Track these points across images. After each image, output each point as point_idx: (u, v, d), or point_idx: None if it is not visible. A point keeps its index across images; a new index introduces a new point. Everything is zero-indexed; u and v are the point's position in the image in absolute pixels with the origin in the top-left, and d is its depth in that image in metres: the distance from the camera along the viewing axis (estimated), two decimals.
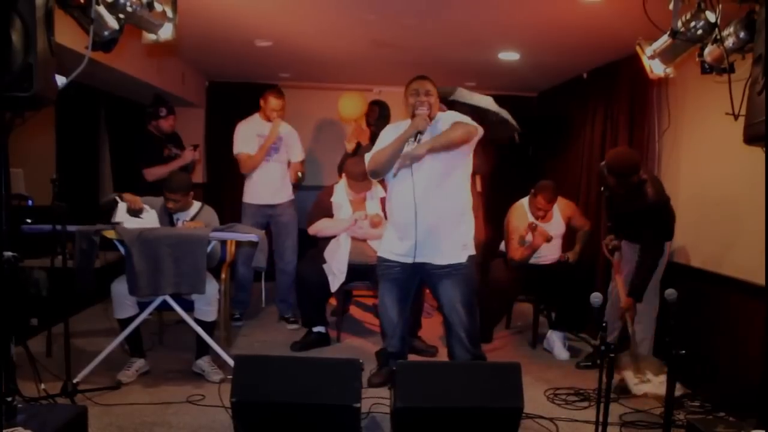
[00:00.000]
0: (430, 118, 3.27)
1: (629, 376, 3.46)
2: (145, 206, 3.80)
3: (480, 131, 3.27)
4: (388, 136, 3.39)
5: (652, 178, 3.80)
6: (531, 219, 4.53)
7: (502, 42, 4.63)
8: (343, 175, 4.53)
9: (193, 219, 4.00)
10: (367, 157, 3.44)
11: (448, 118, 3.35)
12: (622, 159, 3.72)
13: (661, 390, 3.22)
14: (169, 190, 3.91)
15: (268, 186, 5.03)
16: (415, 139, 3.18)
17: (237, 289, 5.08)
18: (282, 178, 5.08)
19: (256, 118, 5.03)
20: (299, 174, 5.12)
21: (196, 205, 4.09)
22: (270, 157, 4.98)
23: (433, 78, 3.41)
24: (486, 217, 4.97)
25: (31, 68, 1.97)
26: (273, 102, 4.94)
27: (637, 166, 3.67)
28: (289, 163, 5.11)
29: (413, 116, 3.25)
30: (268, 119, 4.95)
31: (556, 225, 4.59)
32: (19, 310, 3.62)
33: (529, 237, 4.37)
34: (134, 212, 3.74)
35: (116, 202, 3.71)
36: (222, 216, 4.24)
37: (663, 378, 3.32)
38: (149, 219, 3.79)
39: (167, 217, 3.99)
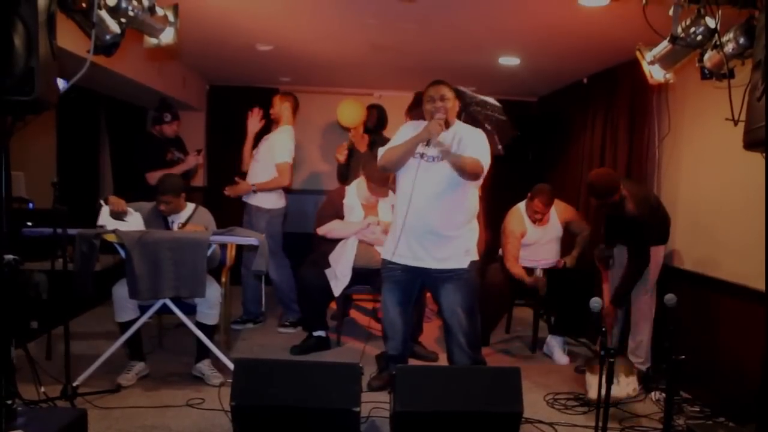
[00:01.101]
0: (448, 122, 3.27)
1: (591, 380, 3.39)
2: (129, 209, 3.76)
3: (483, 173, 3.30)
4: (406, 132, 3.39)
5: (633, 194, 3.86)
6: (528, 223, 4.55)
7: (503, 47, 4.64)
8: (362, 176, 4.52)
9: (187, 220, 4.00)
10: (381, 151, 3.44)
11: (470, 132, 3.37)
12: (599, 182, 3.85)
13: (624, 392, 3.33)
14: (160, 192, 3.92)
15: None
16: (426, 144, 3.20)
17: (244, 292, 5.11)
18: (255, 178, 4.94)
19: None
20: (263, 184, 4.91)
21: (190, 206, 4.09)
22: (256, 155, 5.00)
23: None
24: (486, 222, 4.97)
25: (33, 72, 1.97)
26: (274, 103, 5.02)
27: (613, 188, 3.78)
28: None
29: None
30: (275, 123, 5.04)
31: (553, 228, 4.60)
32: (19, 313, 3.62)
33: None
34: (117, 215, 3.70)
35: (101, 206, 3.70)
36: (223, 219, 4.24)
37: (631, 379, 3.36)
38: (133, 222, 3.74)
39: (161, 219, 3.99)
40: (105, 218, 3.67)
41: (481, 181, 3.40)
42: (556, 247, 4.66)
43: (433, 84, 3.34)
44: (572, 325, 4.60)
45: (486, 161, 3.27)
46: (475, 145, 3.29)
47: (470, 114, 4.51)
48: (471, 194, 3.38)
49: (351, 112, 5.68)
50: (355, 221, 4.43)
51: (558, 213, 4.61)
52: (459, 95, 4.04)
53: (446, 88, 3.31)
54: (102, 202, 3.71)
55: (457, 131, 3.34)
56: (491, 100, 4.69)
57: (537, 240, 4.59)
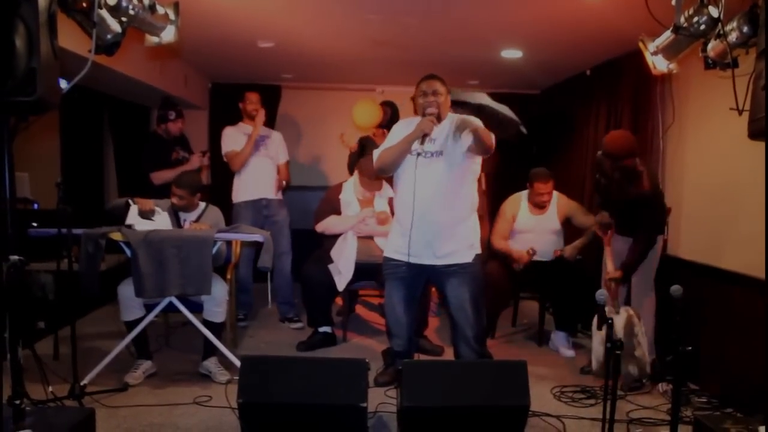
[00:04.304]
0: (440, 117, 3.26)
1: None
2: (157, 208, 3.82)
3: (492, 146, 3.24)
4: (398, 132, 3.40)
5: (649, 171, 3.79)
6: (524, 209, 4.61)
7: (505, 40, 4.63)
8: (356, 172, 4.55)
9: (198, 219, 4.02)
10: (376, 153, 3.45)
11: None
12: (618, 140, 3.73)
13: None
14: (177, 185, 3.94)
15: (258, 180, 5.04)
16: (421, 142, 3.19)
17: (238, 290, 5.11)
18: (272, 173, 5.09)
19: (241, 124, 5.08)
20: (283, 181, 5.16)
21: (201, 205, 4.11)
22: (258, 152, 5.01)
23: None
24: (489, 216, 4.97)
25: (35, 72, 1.98)
26: (251, 96, 5.01)
27: (633, 148, 3.67)
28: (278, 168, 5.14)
29: (423, 116, 3.25)
30: (251, 119, 5.00)
31: (549, 220, 4.58)
32: (25, 314, 3.63)
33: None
34: (145, 214, 3.75)
35: (128, 205, 3.72)
36: (226, 217, 4.25)
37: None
38: (161, 221, 3.80)
39: (174, 216, 4.00)
40: (134, 217, 3.70)
41: (478, 173, 3.39)
42: (554, 240, 4.61)
43: (426, 78, 3.32)
44: (574, 321, 4.57)
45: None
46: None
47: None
48: (470, 186, 3.38)
49: (368, 114, 5.59)
50: (351, 215, 4.45)
51: (558, 207, 4.59)
52: (458, 104, 4.03)
53: (438, 82, 3.29)
54: (130, 201, 3.73)
55: (450, 125, 3.31)
56: (498, 107, 4.66)
57: (531, 228, 4.59)
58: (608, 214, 4.06)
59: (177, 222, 4.01)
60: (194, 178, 4.13)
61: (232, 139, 5.00)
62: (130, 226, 3.64)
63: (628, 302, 4.05)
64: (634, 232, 3.87)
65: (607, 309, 3.49)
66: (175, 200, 3.95)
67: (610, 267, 3.92)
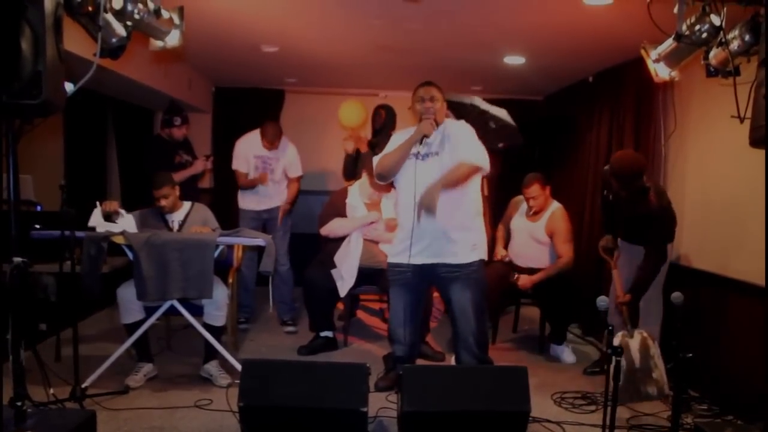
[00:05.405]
0: (437, 122, 3.33)
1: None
2: (121, 210, 3.75)
3: (485, 167, 3.31)
4: (397, 140, 3.46)
5: (656, 187, 3.78)
6: (520, 213, 4.68)
7: (508, 46, 4.64)
8: (364, 174, 4.55)
9: (186, 217, 4.03)
10: (375, 160, 3.48)
11: (456, 126, 3.42)
12: (626, 161, 3.67)
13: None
14: (156, 187, 3.92)
15: (263, 198, 5.16)
16: (420, 143, 3.27)
17: (240, 294, 5.14)
18: (277, 190, 5.20)
19: (255, 138, 5.13)
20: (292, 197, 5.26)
21: (186, 204, 4.12)
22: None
23: (439, 82, 3.46)
24: (491, 221, 4.97)
25: (41, 76, 1.99)
26: (269, 135, 5.07)
27: (641, 169, 3.63)
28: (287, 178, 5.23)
29: (420, 122, 3.29)
30: (266, 146, 5.11)
31: (537, 228, 4.59)
32: (27, 315, 3.63)
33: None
34: (108, 216, 3.69)
35: (95, 207, 3.70)
36: (228, 220, 4.26)
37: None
38: (124, 223, 3.71)
39: (160, 219, 4.00)
40: (96, 219, 3.66)
41: (486, 171, 3.40)
42: (540, 249, 4.59)
43: (423, 85, 3.42)
44: (563, 331, 4.55)
45: (478, 152, 3.29)
46: (463, 140, 3.32)
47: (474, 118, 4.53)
48: (470, 188, 3.39)
49: (352, 113, 5.63)
50: (357, 217, 4.46)
51: (549, 219, 4.55)
52: (456, 108, 4.06)
53: (435, 89, 3.40)
54: (97, 203, 3.72)
55: (444, 129, 3.39)
56: (496, 111, 4.70)
57: (519, 232, 4.65)
58: (612, 238, 4.02)
59: (166, 225, 4.01)
60: (166, 174, 4.10)
61: (241, 158, 5.15)
62: (93, 229, 3.60)
63: (636, 310, 4.03)
64: (642, 242, 3.84)
65: (621, 333, 3.48)
66: (163, 202, 3.94)
67: (619, 291, 3.83)
